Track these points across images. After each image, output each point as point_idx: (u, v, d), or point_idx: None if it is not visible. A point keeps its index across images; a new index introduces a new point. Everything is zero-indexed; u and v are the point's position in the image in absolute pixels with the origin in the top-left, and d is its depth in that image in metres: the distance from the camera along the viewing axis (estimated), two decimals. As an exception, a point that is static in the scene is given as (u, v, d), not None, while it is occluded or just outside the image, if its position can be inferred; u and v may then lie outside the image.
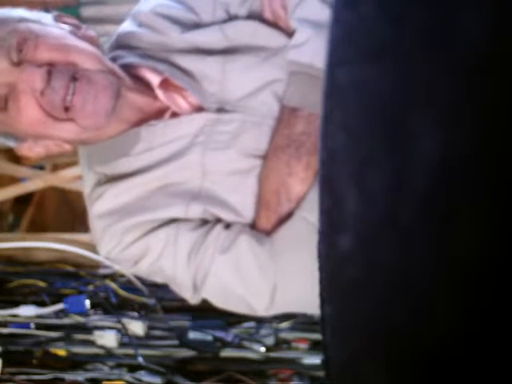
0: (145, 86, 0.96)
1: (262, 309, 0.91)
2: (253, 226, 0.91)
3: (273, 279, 0.88)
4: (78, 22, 0.98)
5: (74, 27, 0.96)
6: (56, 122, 0.89)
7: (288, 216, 0.89)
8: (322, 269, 0.39)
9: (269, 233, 0.90)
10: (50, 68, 0.86)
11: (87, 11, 1.88)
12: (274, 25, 0.96)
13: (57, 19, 0.96)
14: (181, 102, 0.96)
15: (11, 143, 0.97)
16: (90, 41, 0.94)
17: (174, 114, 0.96)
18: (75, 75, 0.87)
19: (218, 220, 0.93)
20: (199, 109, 0.95)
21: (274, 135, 0.91)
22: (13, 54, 0.87)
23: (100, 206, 0.95)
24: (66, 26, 0.95)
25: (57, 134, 0.91)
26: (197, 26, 0.98)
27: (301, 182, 0.89)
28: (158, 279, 0.99)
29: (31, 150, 0.97)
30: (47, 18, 0.96)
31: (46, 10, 1.78)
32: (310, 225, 0.87)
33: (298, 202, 0.89)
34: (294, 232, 0.88)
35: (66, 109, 0.87)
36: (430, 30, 0.32)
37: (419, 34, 0.32)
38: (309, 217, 0.87)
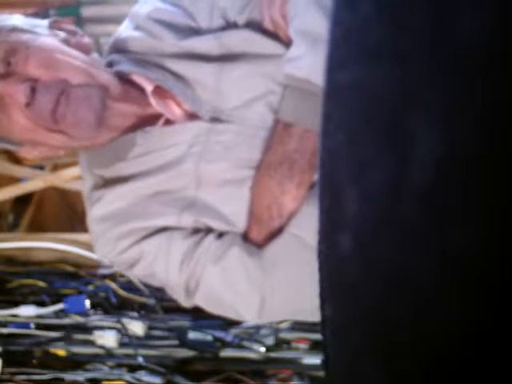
0: (139, 92, 0.96)
1: (251, 318, 0.93)
2: (244, 237, 0.92)
3: (262, 292, 0.90)
4: (74, 28, 0.98)
5: (70, 34, 0.96)
6: (47, 131, 0.90)
7: (279, 230, 0.90)
8: (321, 268, 0.39)
9: (260, 245, 0.91)
10: (34, 84, 0.87)
11: (87, 11, 1.87)
12: (273, 34, 0.94)
13: (53, 25, 0.96)
14: (175, 109, 0.97)
15: (11, 146, 0.99)
16: (84, 49, 0.94)
17: (168, 120, 0.96)
18: (63, 89, 0.88)
19: (210, 229, 0.93)
20: (193, 115, 0.95)
21: (268, 150, 0.91)
22: (0, 65, 0.88)
23: (97, 210, 0.97)
24: (61, 33, 0.95)
25: (49, 141, 0.92)
26: (193, 31, 0.97)
27: (293, 200, 0.89)
28: (153, 283, 1.00)
29: (29, 153, 0.99)
30: (42, 25, 0.95)
31: (46, 9, 1.78)
32: (300, 241, 0.88)
33: (290, 218, 0.90)
34: (283, 248, 0.89)
35: (56, 120, 0.88)
36: (429, 30, 0.32)
37: (419, 34, 0.32)
38: (299, 233, 0.88)
